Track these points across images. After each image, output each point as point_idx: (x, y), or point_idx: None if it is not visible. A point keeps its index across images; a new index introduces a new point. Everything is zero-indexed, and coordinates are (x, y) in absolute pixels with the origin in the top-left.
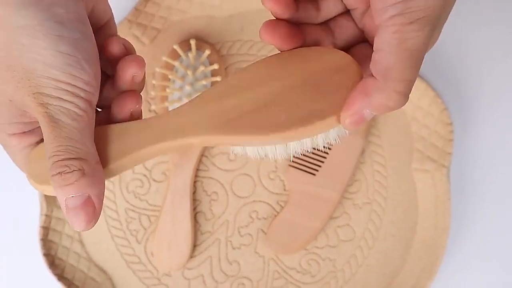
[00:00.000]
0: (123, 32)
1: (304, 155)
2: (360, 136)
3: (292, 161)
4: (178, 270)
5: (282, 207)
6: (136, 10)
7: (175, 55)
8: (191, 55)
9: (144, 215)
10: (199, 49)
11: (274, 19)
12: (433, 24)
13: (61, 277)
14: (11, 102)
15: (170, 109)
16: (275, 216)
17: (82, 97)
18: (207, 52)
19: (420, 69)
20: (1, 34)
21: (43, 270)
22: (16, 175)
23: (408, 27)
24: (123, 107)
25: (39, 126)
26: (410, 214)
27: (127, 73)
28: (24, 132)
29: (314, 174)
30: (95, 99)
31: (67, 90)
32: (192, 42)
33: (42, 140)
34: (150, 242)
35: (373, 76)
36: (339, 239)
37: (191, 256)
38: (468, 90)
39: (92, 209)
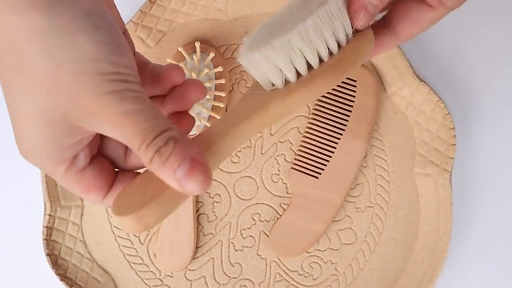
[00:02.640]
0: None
1: (307, 158)
2: (363, 140)
3: (295, 164)
4: (180, 271)
5: (285, 210)
6: (142, 13)
7: (179, 58)
8: (195, 57)
9: None
10: (203, 51)
11: None
12: None
13: (64, 277)
14: (65, 116)
15: None
16: (278, 218)
17: (132, 81)
18: (212, 54)
19: (423, 74)
20: (38, 41)
21: (46, 270)
22: (20, 175)
23: None
24: (189, 96)
25: (84, 149)
26: (412, 218)
27: (192, 99)
28: (72, 158)
29: (316, 177)
30: (139, 80)
31: (119, 80)
32: (197, 45)
33: (87, 165)
34: (153, 243)
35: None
36: (341, 242)
37: (194, 257)
38: (471, 95)
39: (201, 166)
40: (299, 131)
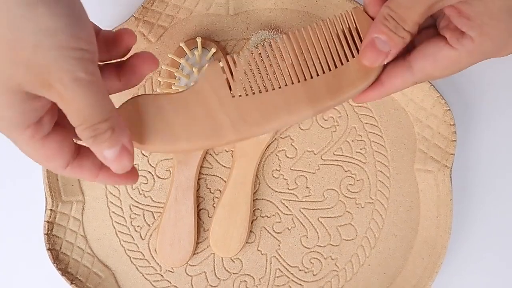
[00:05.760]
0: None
1: None
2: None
3: None
4: (181, 267)
5: (287, 206)
6: (144, 8)
7: (181, 53)
8: (197, 53)
9: (148, 212)
10: (205, 47)
11: None
12: None
13: (65, 271)
14: (19, 86)
15: None
16: (278, 214)
17: (88, 59)
18: (213, 50)
19: None
20: (4, 12)
21: (47, 265)
22: (21, 170)
23: None
24: (141, 67)
25: (46, 114)
26: (412, 214)
27: (144, 71)
28: (36, 124)
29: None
30: (97, 56)
31: (75, 58)
32: (198, 40)
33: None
34: (153, 238)
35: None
36: (341, 238)
37: (194, 253)
38: (471, 91)
39: (128, 152)
40: (300, 128)
